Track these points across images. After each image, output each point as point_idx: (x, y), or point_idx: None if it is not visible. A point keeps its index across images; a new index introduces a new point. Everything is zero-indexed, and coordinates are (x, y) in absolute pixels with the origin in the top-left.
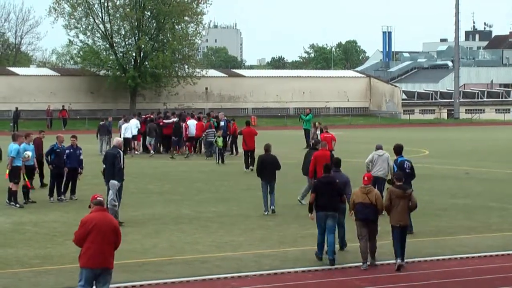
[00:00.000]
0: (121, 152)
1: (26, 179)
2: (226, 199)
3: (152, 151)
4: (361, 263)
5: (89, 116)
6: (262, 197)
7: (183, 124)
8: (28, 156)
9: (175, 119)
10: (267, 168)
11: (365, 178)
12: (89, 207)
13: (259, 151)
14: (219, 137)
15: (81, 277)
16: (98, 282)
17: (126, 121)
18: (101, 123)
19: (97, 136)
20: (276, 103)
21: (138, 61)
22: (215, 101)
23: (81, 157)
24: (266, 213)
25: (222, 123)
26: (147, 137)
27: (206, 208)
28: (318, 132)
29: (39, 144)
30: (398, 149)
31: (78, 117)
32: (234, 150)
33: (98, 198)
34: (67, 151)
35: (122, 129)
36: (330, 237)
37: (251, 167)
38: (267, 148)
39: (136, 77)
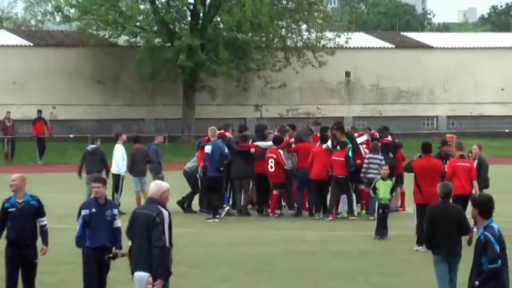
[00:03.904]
0: (165, 213)
1: None
2: None
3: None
4: None
5: (95, 134)
6: (437, 283)
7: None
8: None
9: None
10: (442, 229)
11: None
12: None
13: None
14: (383, 179)
15: None
16: None
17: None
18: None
19: (79, 173)
20: (500, 107)
21: (200, 16)
22: (365, 101)
23: (118, 223)
24: None
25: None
26: (132, 177)
27: None
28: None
29: None
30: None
31: (71, 135)
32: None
33: None
34: (83, 212)
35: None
36: None
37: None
38: (445, 191)
39: (197, 50)
